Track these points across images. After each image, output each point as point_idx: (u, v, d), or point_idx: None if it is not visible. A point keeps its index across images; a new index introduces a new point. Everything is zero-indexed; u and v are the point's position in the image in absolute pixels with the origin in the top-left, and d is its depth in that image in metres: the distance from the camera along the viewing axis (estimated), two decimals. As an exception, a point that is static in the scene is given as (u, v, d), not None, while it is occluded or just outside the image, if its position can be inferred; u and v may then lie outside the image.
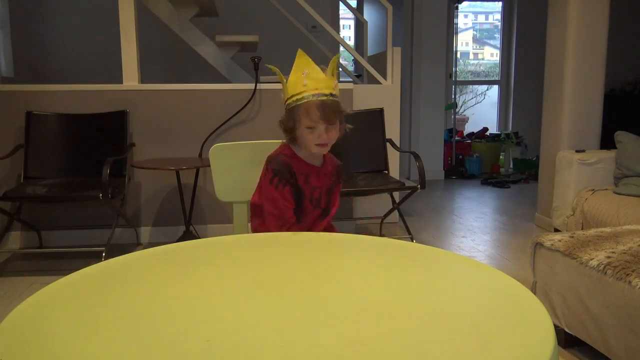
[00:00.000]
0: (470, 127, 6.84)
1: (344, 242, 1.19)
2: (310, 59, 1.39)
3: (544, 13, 3.64)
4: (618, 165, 3.12)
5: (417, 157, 2.97)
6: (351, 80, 4.71)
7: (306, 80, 1.37)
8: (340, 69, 5.26)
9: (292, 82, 1.40)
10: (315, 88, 1.36)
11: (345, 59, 7.62)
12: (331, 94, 1.38)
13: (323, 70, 1.41)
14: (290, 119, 1.42)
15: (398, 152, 3.50)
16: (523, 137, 6.15)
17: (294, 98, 1.39)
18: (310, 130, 1.39)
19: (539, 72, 4.15)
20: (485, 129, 6.41)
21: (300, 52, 1.40)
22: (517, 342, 0.69)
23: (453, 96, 6.13)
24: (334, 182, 1.55)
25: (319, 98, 1.36)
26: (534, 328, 0.73)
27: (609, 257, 1.66)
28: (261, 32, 4.21)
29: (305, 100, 1.37)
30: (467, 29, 8.31)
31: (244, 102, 3.24)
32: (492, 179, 5.56)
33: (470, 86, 7.11)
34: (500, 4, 6.45)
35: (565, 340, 1.86)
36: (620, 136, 3.14)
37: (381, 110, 3.36)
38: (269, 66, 1.55)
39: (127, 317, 0.77)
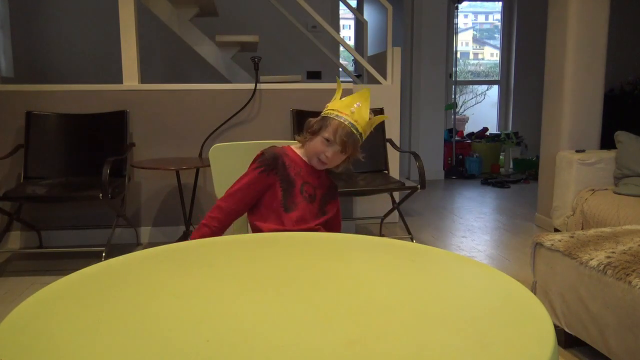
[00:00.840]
0: (470, 127, 6.84)
1: (344, 242, 1.19)
2: (369, 101, 1.58)
3: (544, 13, 3.64)
4: (618, 165, 3.12)
5: (417, 157, 2.98)
6: (351, 80, 4.72)
7: (355, 109, 1.54)
8: (340, 69, 5.27)
9: (345, 102, 1.56)
10: (356, 121, 1.54)
11: (345, 59, 7.62)
12: (361, 135, 1.58)
13: (371, 114, 1.59)
14: (320, 123, 1.56)
15: (398, 152, 3.50)
16: (523, 137, 6.15)
17: (337, 112, 1.55)
18: (325, 143, 1.54)
19: (539, 72, 4.15)
20: (485, 129, 6.41)
21: (368, 90, 1.58)
22: (517, 342, 0.69)
23: (453, 96, 6.13)
24: (328, 191, 1.63)
25: (352, 129, 1.54)
26: (534, 328, 0.73)
27: (609, 257, 1.66)
28: (261, 32, 4.21)
29: (342, 121, 1.53)
30: (467, 29, 8.31)
31: (244, 102, 3.25)
32: (492, 179, 5.56)
33: (470, 86, 7.11)
34: (500, 4, 6.45)
35: (565, 340, 1.86)
36: (620, 136, 3.14)
37: (381, 110, 3.36)
38: (338, 79, 1.71)
39: (127, 317, 0.77)
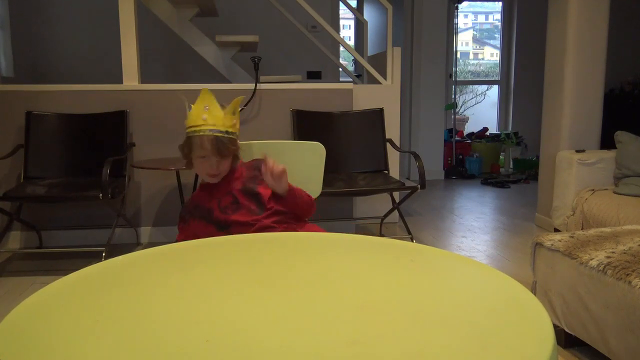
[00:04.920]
0: (470, 127, 6.83)
1: (344, 242, 1.19)
2: (214, 98, 1.53)
3: (544, 13, 3.64)
4: (618, 165, 3.12)
5: (417, 157, 2.98)
6: (351, 80, 4.71)
7: (206, 115, 1.51)
8: (340, 69, 5.27)
9: (193, 114, 1.54)
10: (213, 124, 1.52)
11: (345, 59, 7.62)
12: (227, 132, 1.54)
13: (223, 108, 1.55)
14: (187, 145, 1.56)
15: (398, 152, 3.50)
16: (523, 137, 6.15)
17: (193, 129, 1.53)
18: (202, 160, 1.54)
19: (539, 72, 4.15)
20: (485, 129, 6.41)
21: (205, 90, 1.54)
22: (516, 342, 0.69)
23: (453, 96, 6.13)
24: (248, 180, 1.61)
25: (215, 134, 1.51)
26: (533, 328, 0.73)
27: (609, 257, 1.66)
28: (261, 32, 4.21)
29: (202, 134, 1.51)
30: (467, 29, 8.30)
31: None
32: (492, 179, 5.56)
33: (470, 86, 7.11)
34: (500, 4, 6.45)
35: (565, 340, 1.86)
36: (620, 136, 3.14)
37: (381, 110, 3.37)
38: (183, 98, 1.64)
39: (127, 317, 0.77)
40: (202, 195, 1.62)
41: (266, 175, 1.57)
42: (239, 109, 1.58)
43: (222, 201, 1.57)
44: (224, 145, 1.52)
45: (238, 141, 1.59)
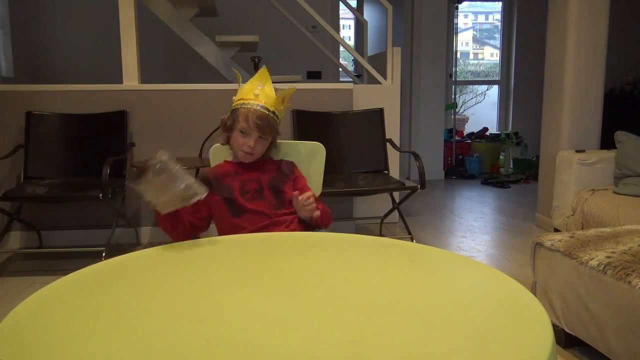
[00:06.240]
0: (470, 127, 6.83)
1: (344, 242, 1.19)
2: (270, 78, 1.59)
3: (544, 13, 3.64)
4: (618, 165, 3.12)
5: (417, 157, 2.98)
6: (351, 80, 4.71)
7: (258, 92, 1.56)
8: (340, 69, 5.27)
9: (246, 88, 1.59)
10: (264, 102, 1.56)
11: (345, 59, 7.62)
12: (274, 112, 1.58)
13: (276, 91, 1.60)
14: (231, 118, 1.58)
15: (398, 152, 3.50)
16: (523, 137, 6.15)
17: (242, 101, 1.57)
18: (243, 135, 1.56)
19: (539, 72, 4.15)
20: (485, 129, 6.41)
21: (264, 68, 1.60)
22: (515, 341, 0.69)
23: (453, 96, 6.13)
24: (277, 174, 1.63)
25: (262, 110, 1.54)
26: (532, 328, 0.73)
27: (609, 257, 1.66)
28: (261, 32, 4.20)
29: (249, 107, 1.54)
30: (467, 29, 8.30)
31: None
32: (492, 179, 5.56)
33: (470, 86, 7.11)
34: (500, 4, 6.45)
35: (565, 340, 1.86)
36: (620, 136, 3.14)
37: (381, 110, 3.37)
38: (237, 72, 1.72)
39: (127, 316, 0.77)
40: (227, 170, 1.60)
41: (298, 204, 1.54)
42: (288, 102, 1.63)
43: (246, 185, 1.56)
44: (268, 123, 1.54)
45: (278, 126, 1.60)
